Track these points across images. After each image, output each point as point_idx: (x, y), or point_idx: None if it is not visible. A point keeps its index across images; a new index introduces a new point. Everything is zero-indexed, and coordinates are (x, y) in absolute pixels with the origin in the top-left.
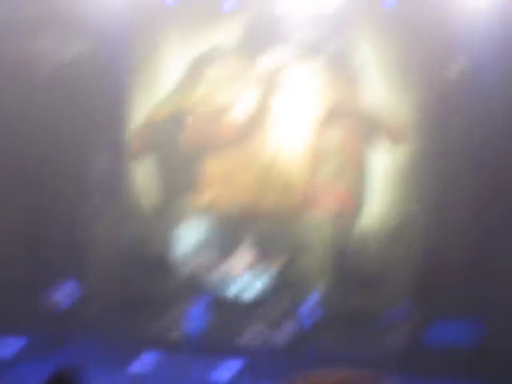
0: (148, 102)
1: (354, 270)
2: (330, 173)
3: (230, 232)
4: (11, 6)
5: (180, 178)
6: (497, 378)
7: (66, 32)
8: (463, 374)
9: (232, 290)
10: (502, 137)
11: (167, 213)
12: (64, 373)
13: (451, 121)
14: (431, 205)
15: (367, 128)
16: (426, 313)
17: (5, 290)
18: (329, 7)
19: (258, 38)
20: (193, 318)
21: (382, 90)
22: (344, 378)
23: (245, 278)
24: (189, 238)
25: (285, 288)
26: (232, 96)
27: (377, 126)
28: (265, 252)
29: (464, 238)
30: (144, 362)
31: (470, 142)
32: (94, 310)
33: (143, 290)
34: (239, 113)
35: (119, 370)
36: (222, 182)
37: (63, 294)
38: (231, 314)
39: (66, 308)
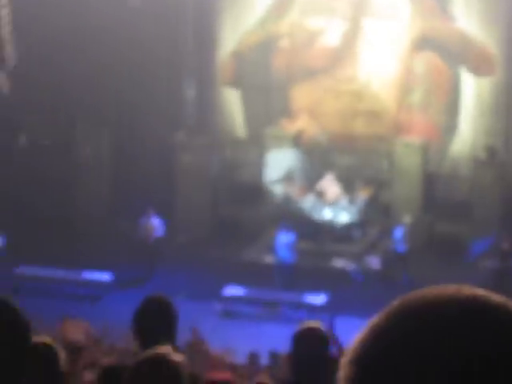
0: (238, 29)
1: (444, 197)
2: (418, 100)
3: (319, 161)
4: None
5: (269, 107)
6: None
7: None
8: None
9: (320, 220)
10: None
11: (256, 142)
12: (156, 300)
13: None
14: None
15: (454, 57)
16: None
17: (93, 221)
18: None
19: None
20: (281, 248)
21: (470, 19)
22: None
23: (335, 207)
24: (278, 166)
25: (374, 217)
26: (322, 23)
27: (464, 55)
28: (353, 181)
29: None
30: (233, 292)
31: None
32: (184, 239)
33: (233, 217)
34: (329, 39)
35: (209, 299)
36: (311, 110)
37: (153, 225)
38: (320, 243)
39: (155, 238)
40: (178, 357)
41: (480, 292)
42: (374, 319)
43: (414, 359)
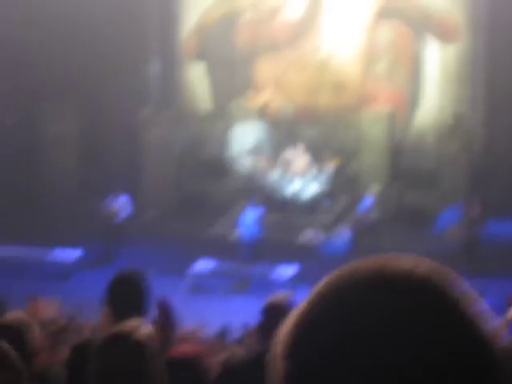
0: (201, 3)
1: (411, 167)
2: (383, 71)
3: (285, 133)
4: None
5: (234, 81)
6: None
7: None
8: None
9: (288, 192)
10: None
11: (222, 115)
12: (127, 275)
13: (499, 18)
14: (482, 102)
15: (419, 26)
16: (483, 209)
17: (61, 198)
18: None
19: None
20: (248, 222)
21: None
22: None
23: (301, 180)
24: (244, 139)
25: (342, 188)
26: None
27: (428, 24)
28: (320, 153)
29: None
30: (201, 267)
31: None
32: (152, 216)
33: (200, 191)
34: (292, 12)
35: (178, 274)
36: (275, 84)
37: (120, 204)
38: (288, 216)
39: (123, 217)
40: (146, 330)
41: (407, 265)
42: (299, 307)
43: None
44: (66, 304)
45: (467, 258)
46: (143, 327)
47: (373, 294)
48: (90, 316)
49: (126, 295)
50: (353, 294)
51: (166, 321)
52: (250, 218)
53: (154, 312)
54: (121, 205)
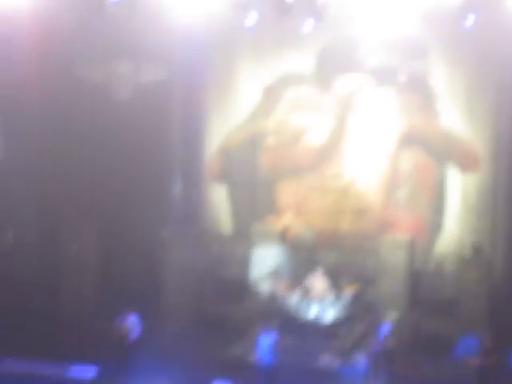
0: (226, 126)
1: (430, 294)
2: (404, 197)
3: (305, 258)
4: (92, 31)
5: (257, 203)
6: None
7: (145, 57)
8: None
9: (306, 316)
10: None
11: (243, 237)
12: None
13: None
14: (502, 233)
15: (440, 154)
16: (502, 339)
17: (79, 316)
18: (405, 31)
19: (334, 62)
20: (265, 346)
21: (455, 116)
22: None
23: (319, 305)
24: (265, 262)
25: (360, 314)
26: (309, 120)
27: (450, 152)
28: (339, 278)
29: None
30: None
31: None
32: (171, 335)
33: (219, 313)
34: (316, 137)
35: None
36: (297, 207)
37: (129, 324)
38: (305, 341)
39: (138, 335)
40: None
41: None
42: None
43: None
44: None
45: None
46: None
47: None
48: None
49: None
50: None
51: None
52: (267, 342)
53: None
54: (131, 325)
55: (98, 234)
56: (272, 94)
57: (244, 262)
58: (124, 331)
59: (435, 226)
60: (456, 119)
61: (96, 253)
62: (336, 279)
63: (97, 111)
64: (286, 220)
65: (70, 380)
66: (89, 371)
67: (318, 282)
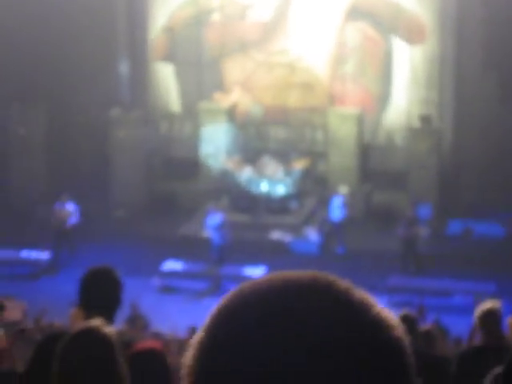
0: (169, 4)
1: (381, 166)
2: (352, 70)
3: (255, 133)
4: None
5: (202, 82)
6: None
7: None
8: (480, 270)
9: (257, 193)
10: None
11: (192, 115)
12: (100, 270)
13: (468, 20)
14: (450, 104)
15: (387, 27)
16: (448, 210)
17: (30, 201)
18: None
19: None
20: (216, 223)
21: None
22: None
23: (271, 179)
24: (214, 140)
25: (312, 188)
26: None
27: (396, 25)
28: (289, 154)
29: (484, 136)
30: (171, 267)
31: (486, 40)
32: (120, 215)
33: (169, 192)
34: (260, 14)
35: (147, 274)
36: (245, 83)
37: (67, 211)
38: (257, 217)
39: (71, 225)
40: (109, 329)
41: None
42: (200, 334)
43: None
44: (34, 305)
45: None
46: (107, 326)
47: (278, 298)
48: (58, 316)
49: (100, 289)
50: (257, 299)
51: (137, 319)
52: (218, 219)
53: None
54: (69, 211)
55: (45, 116)
56: None
57: (193, 141)
58: (62, 217)
59: (383, 98)
60: None
61: (44, 135)
62: (286, 154)
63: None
64: (234, 97)
65: (23, 264)
66: (42, 255)
67: (268, 161)
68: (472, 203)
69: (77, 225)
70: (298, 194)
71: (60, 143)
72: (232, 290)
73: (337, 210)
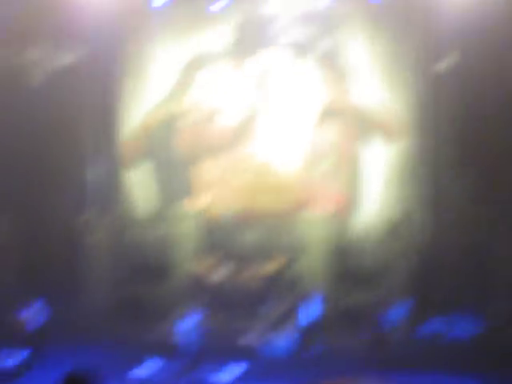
0: (140, 108)
1: (352, 268)
2: (324, 172)
3: (227, 236)
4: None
5: (175, 184)
6: (496, 371)
7: (55, 42)
8: (462, 368)
9: (230, 295)
10: (493, 131)
11: (161, 220)
12: (77, 375)
13: (444, 117)
14: (427, 201)
15: (361, 126)
16: (425, 309)
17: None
18: (317, 6)
19: (247, 40)
20: (188, 326)
21: (373, 88)
22: None
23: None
24: (184, 244)
25: (283, 291)
26: (223, 99)
27: (370, 124)
28: (261, 255)
29: (462, 234)
30: (147, 367)
31: (463, 137)
32: (88, 322)
33: (138, 297)
34: (231, 116)
35: (123, 375)
36: (216, 186)
37: (32, 312)
38: (231, 316)
39: (36, 324)
40: None
41: None
42: None
43: None
44: None
45: (409, 356)
46: None
47: None
48: None
49: None
50: None
51: None
52: (190, 323)
53: None
54: (33, 312)
55: (13, 227)
56: (186, 74)
57: (162, 245)
58: (24, 319)
59: (357, 200)
60: (376, 92)
61: (13, 246)
62: (258, 256)
63: (9, 97)
64: (205, 201)
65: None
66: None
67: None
68: (448, 301)
69: (45, 326)
70: (271, 295)
71: (28, 252)
72: None
73: (308, 312)
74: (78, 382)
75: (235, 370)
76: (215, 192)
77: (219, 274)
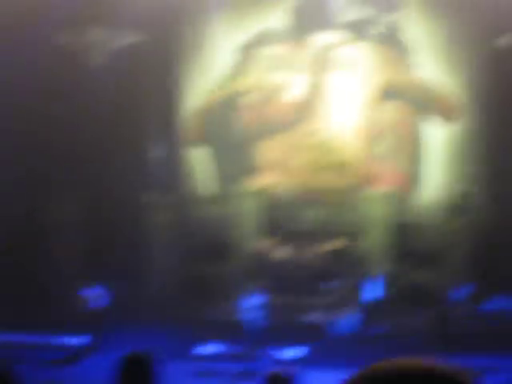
0: (201, 88)
1: (415, 246)
2: (384, 151)
3: (288, 216)
4: None
5: (237, 162)
6: None
7: (116, 23)
8: None
9: (293, 274)
10: None
11: (225, 198)
12: (138, 355)
13: (503, 95)
14: (486, 179)
15: (420, 105)
16: (489, 286)
17: (64, 285)
18: None
19: (308, 18)
20: (253, 305)
21: (433, 67)
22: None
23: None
24: (247, 222)
25: (347, 269)
26: (285, 78)
27: (429, 102)
28: (324, 234)
29: None
30: (208, 350)
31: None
32: (154, 299)
33: (204, 276)
34: (292, 94)
35: (182, 356)
36: (278, 164)
37: (93, 295)
38: (294, 294)
39: (98, 309)
40: None
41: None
42: None
43: None
44: None
45: (470, 336)
46: None
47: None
48: None
49: (137, 376)
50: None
51: None
52: (254, 302)
53: None
54: (95, 296)
55: (78, 202)
56: (248, 52)
57: (225, 224)
58: (89, 301)
59: (417, 177)
60: (435, 71)
61: (77, 220)
62: (320, 235)
63: (72, 78)
64: (267, 179)
65: (61, 348)
66: (81, 339)
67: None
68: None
69: (107, 308)
70: (335, 274)
71: (93, 227)
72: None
73: (372, 291)
74: (139, 363)
75: (299, 347)
76: (277, 170)
77: (281, 253)
